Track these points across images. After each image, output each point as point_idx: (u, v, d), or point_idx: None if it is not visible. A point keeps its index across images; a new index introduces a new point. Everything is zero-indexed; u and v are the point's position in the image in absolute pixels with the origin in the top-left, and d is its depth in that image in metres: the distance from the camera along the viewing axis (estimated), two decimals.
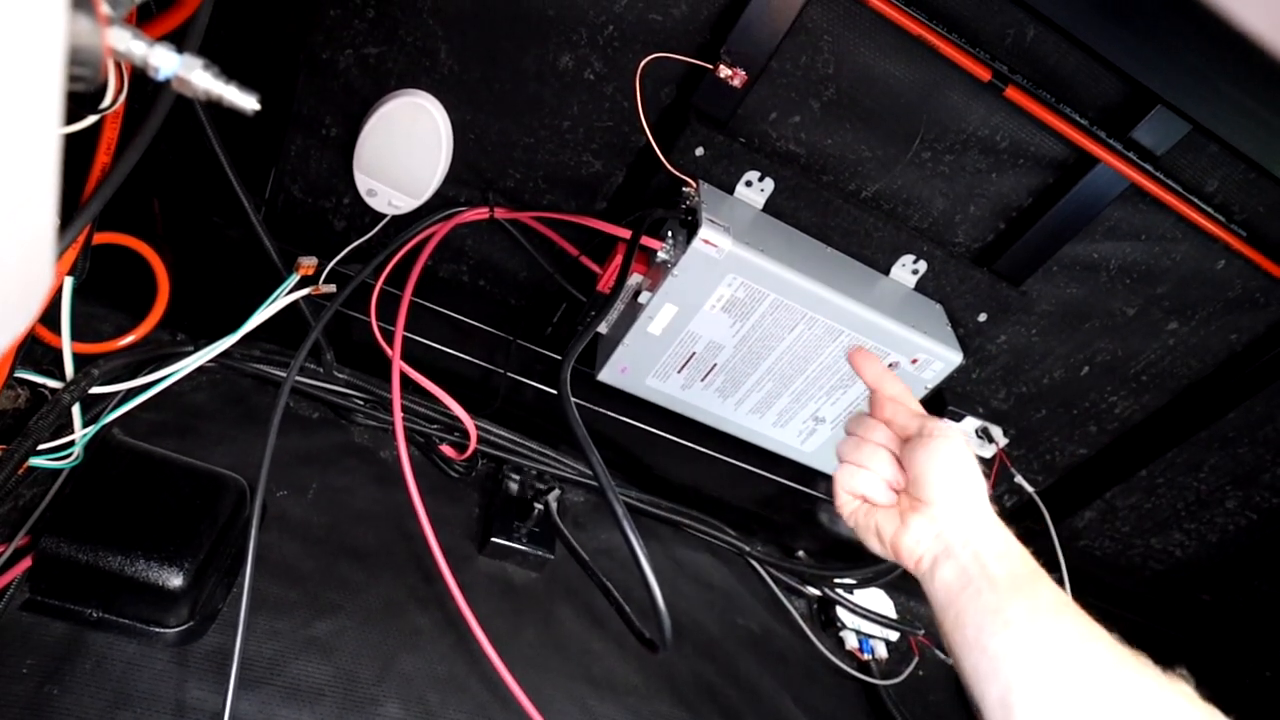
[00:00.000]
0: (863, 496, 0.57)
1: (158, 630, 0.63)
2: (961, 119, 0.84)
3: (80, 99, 0.47)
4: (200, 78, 0.34)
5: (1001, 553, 0.50)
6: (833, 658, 1.00)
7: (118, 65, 0.46)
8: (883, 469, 0.56)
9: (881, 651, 1.04)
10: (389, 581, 0.76)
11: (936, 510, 0.52)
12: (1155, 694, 0.43)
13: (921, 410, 0.58)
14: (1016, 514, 1.26)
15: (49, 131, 0.26)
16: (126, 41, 0.33)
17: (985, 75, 0.77)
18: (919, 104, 0.83)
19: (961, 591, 0.49)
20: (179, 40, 0.43)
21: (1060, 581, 0.98)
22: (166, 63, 0.33)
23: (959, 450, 0.54)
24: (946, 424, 0.55)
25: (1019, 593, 0.47)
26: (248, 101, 0.36)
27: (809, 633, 1.01)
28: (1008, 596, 0.47)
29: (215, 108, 0.37)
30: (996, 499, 1.25)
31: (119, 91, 0.49)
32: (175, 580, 0.62)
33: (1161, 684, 0.43)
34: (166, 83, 0.35)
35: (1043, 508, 1.04)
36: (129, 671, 0.61)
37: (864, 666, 1.02)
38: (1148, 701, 0.42)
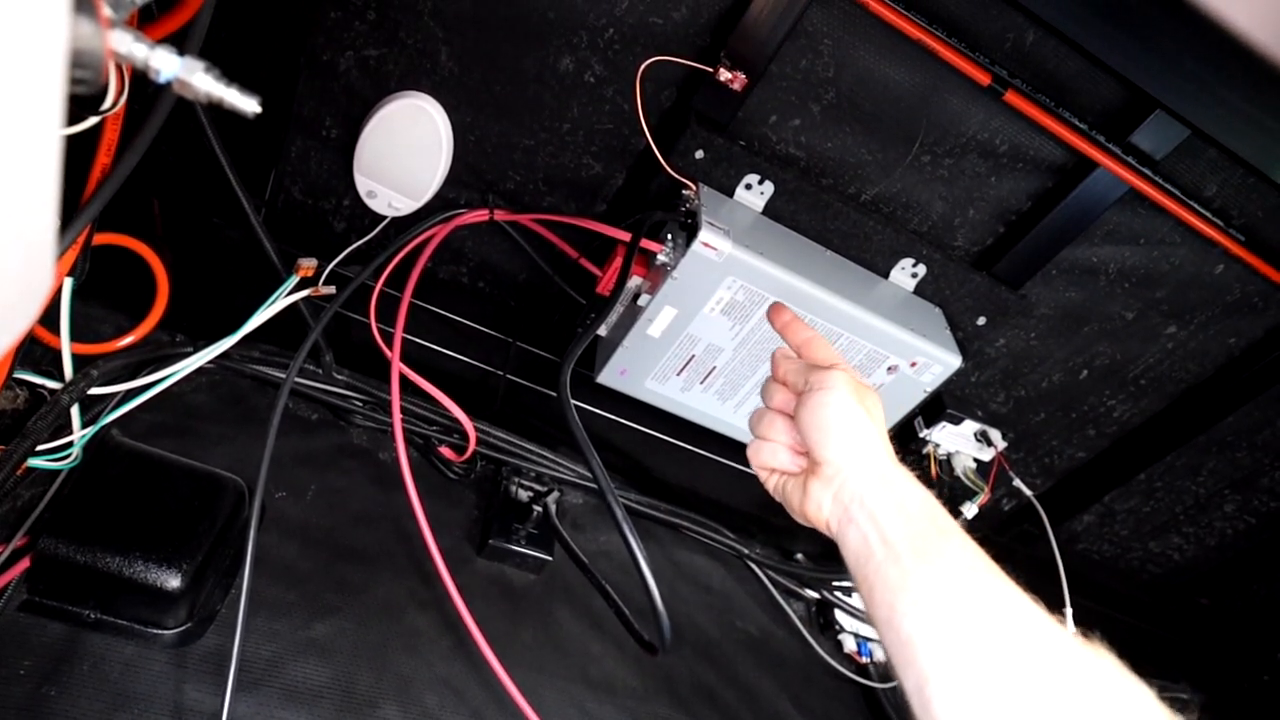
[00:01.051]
0: (773, 468, 0.54)
1: (156, 631, 0.63)
2: (961, 123, 0.84)
3: (81, 100, 0.48)
4: (201, 80, 0.34)
5: (900, 511, 0.45)
6: (831, 661, 1.00)
7: (119, 67, 0.47)
8: (781, 435, 0.54)
9: (880, 655, 1.04)
10: (387, 583, 0.76)
11: (829, 470, 0.49)
12: (1079, 667, 0.39)
13: (819, 359, 0.55)
14: (1015, 517, 1.27)
15: (50, 134, 0.26)
16: (128, 44, 0.33)
17: (985, 79, 0.77)
18: (919, 108, 0.83)
19: (866, 563, 0.45)
20: (180, 41, 0.43)
21: (1058, 587, 0.99)
22: (168, 65, 0.33)
23: (842, 400, 0.50)
24: (831, 374, 0.52)
25: (922, 560, 0.43)
26: (249, 104, 0.36)
27: (807, 636, 1.00)
28: (911, 567, 0.43)
29: (216, 109, 0.37)
30: (995, 502, 1.25)
31: (120, 93, 0.49)
32: (173, 581, 0.61)
33: (1085, 655, 0.39)
34: (168, 85, 0.35)
35: (1041, 511, 1.04)
36: (127, 673, 0.61)
37: (862, 670, 1.02)
38: (1073, 678, 0.38)
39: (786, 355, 0.57)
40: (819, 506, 0.49)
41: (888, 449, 0.50)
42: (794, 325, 0.59)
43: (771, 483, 0.55)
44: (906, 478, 0.48)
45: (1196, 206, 0.87)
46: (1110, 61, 0.74)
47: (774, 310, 0.61)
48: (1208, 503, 1.26)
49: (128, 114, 0.57)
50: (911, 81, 0.81)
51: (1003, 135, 0.85)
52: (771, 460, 0.54)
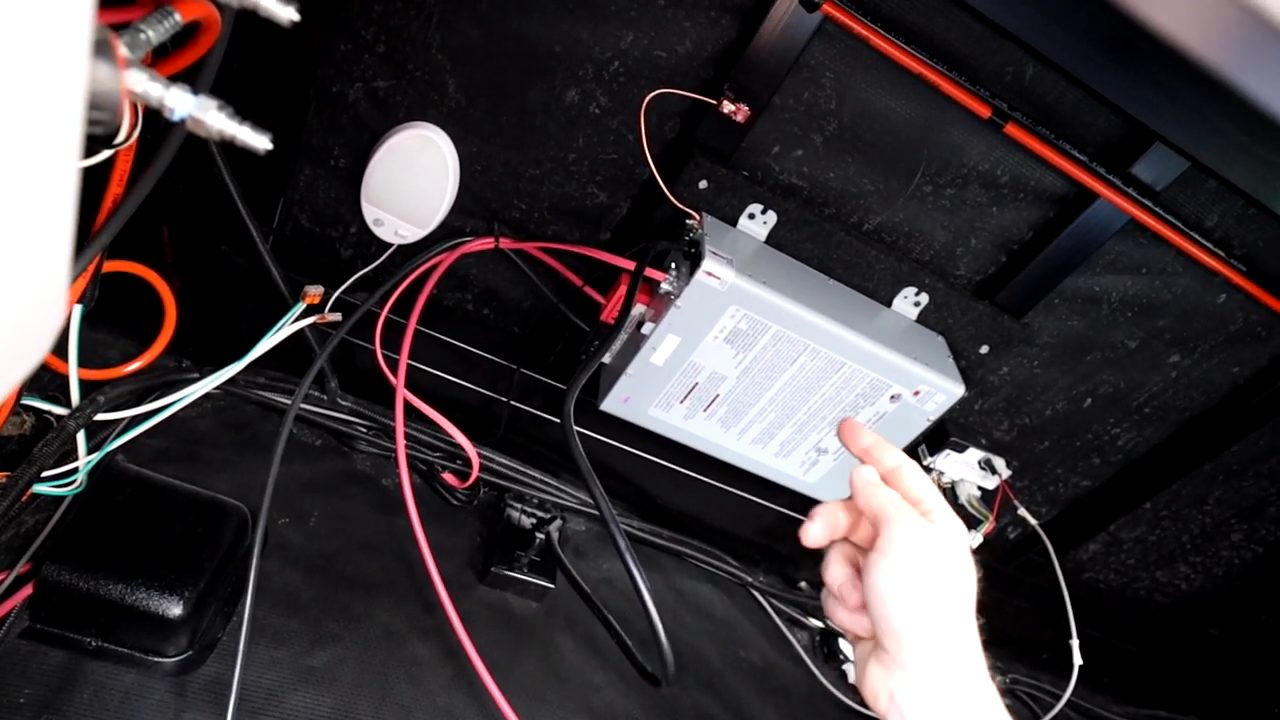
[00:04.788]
0: (843, 627, 0.46)
1: (156, 659, 0.63)
2: (962, 154, 0.85)
3: (96, 136, 0.48)
4: (214, 119, 0.35)
5: None
6: (835, 691, 0.99)
7: (133, 104, 0.47)
8: (846, 591, 0.45)
9: None
10: (389, 611, 0.76)
11: (892, 659, 0.41)
12: None
13: (909, 491, 0.44)
14: (1020, 546, 1.26)
15: (67, 176, 0.26)
16: (144, 83, 0.34)
17: (985, 112, 0.78)
18: (920, 139, 0.84)
19: None
20: (193, 78, 0.44)
21: (1065, 617, 0.98)
22: (182, 104, 0.34)
23: (915, 570, 0.40)
24: (915, 524, 0.41)
25: None
26: (260, 142, 0.36)
27: (811, 666, 1.00)
28: None
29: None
30: (1000, 531, 1.24)
31: (133, 127, 0.50)
32: (175, 609, 0.61)
33: None
34: (181, 122, 0.36)
35: (1046, 540, 1.04)
36: (127, 701, 0.60)
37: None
38: None
39: (872, 481, 0.45)
40: (875, 696, 0.42)
41: (970, 648, 0.41)
42: (880, 448, 0.47)
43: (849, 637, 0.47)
44: (987, 691, 0.40)
45: (1197, 237, 0.88)
46: (1109, 95, 0.75)
47: (848, 430, 0.49)
48: (1214, 532, 1.25)
49: (140, 145, 0.58)
50: (913, 113, 0.82)
51: (1004, 166, 0.86)
52: (837, 617, 0.46)
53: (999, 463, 1.03)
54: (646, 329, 0.84)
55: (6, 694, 0.57)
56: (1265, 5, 0.34)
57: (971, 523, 1.00)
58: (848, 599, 0.44)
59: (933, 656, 0.40)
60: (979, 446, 1.02)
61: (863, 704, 0.98)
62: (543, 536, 0.86)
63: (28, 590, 0.60)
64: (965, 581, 0.41)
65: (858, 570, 0.45)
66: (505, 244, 0.91)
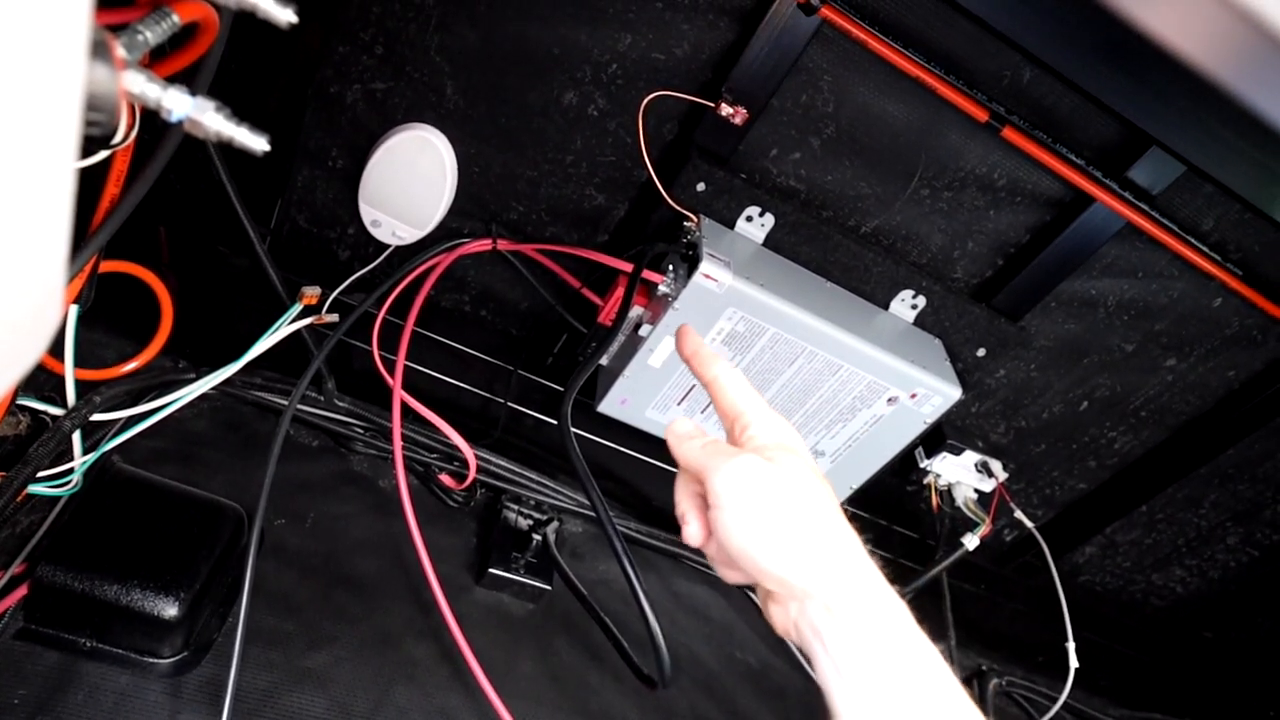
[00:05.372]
0: (732, 582, 0.44)
1: (151, 660, 0.63)
2: (960, 157, 0.85)
3: (93, 137, 0.48)
4: (212, 120, 0.35)
5: (859, 652, 0.38)
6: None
7: (131, 105, 0.47)
8: (712, 549, 0.43)
9: None
10: (385, 612, 0.76)
11: (779, 595, 0.40)
12: None
13: (731, 411, 0.43)
14: (1016, 548, 1.26)
15: (64, 176, 0.26)
16: (141, 84, 0.34)
17: (983, 116, 0.78)
18: (918, 142, 0.84)
19: (833, 712, 0.38)
20: (191, 79, 0.44)
21: (1060, 620, 0.98)
22: (180, 105, 0.34)
23: (748, 510, 0.39)
24: (727, 467, 0.40)
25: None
26: (258, 143, 0.36)
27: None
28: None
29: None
30: (996, 533, 1.24)
31: (131, 128, 0.50)
32: (170, 610, 0.61)
33: None
34: (179, 123, 0.36)
35: (1042, 542, 1.04)
36: (121, 702, 0.60)
37: None
38: None
39: (680, 435, 0.44)
40: (784, 630, 0.41)
41: (846, 561, 0.39)
42: (700, 356, 0.47)
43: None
44: (868, 602, 0.39)
45: (1194, 241, 0.88)
46: (1106, 99, 0.75)
47: (680, 335, 0.48)
48: (1210, 535, 1.25)
49: (137, 145, 0.58)
50: (910, 117, 0.82)
51: (1001, 170, 0.86)
52: (725, 576, 0.44)
53: (995, 465, 1.03)
54: (644, 331, 0.85)
55: (1, 695, 0.57)
56: (1261, 12, 0.34)
57: (968, 525, 1.00)
58: (715, 554, 0.43)
59: (811, 578, 0.39)
60: (975, 449, 1.03)
61: None
62: (539, 538, 0.86)
63: (23, 591, 0.60)
64: (805, 491, 0.40)
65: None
66: (503, 245, 0.91)
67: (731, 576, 0.44)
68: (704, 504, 0.42)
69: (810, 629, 0.39)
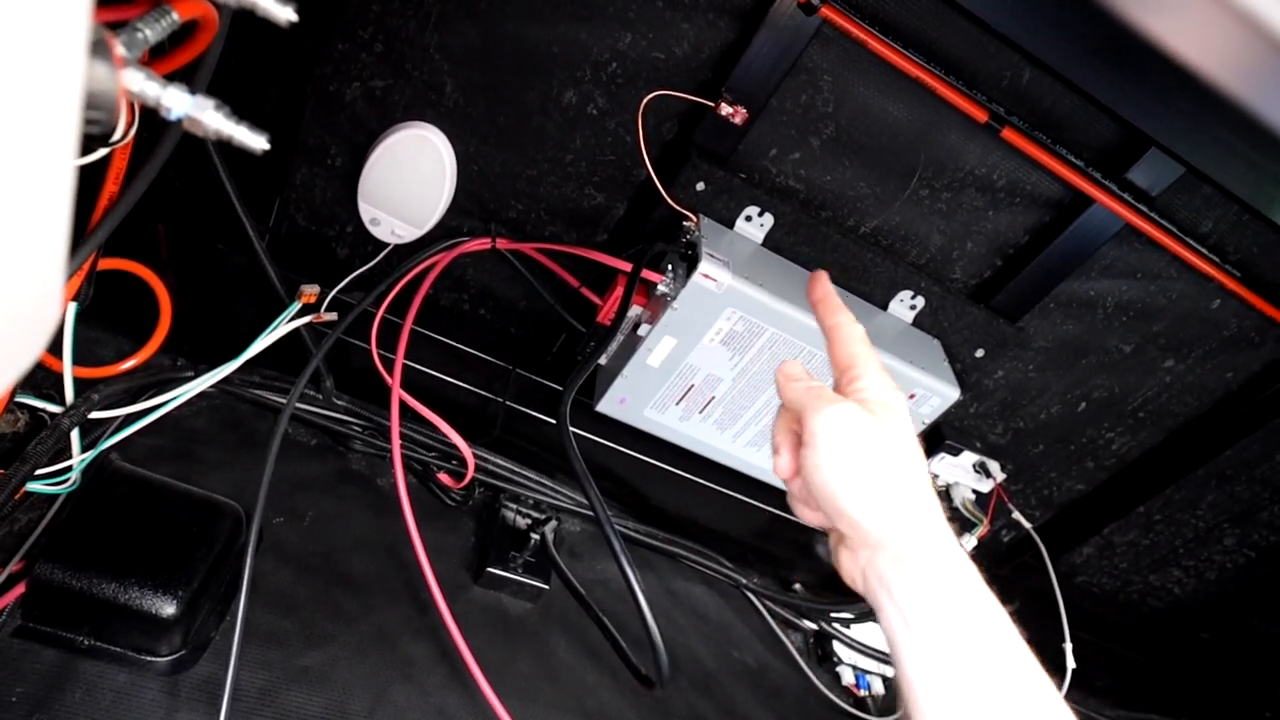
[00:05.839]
0: (807, 521, 0.46)
1: (149, 659, 0.63)
2: (959, 158, 0.85)
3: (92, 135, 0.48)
4: (211, 118, 0.35)
5: (931, 612, 0.38)
6: (829, 693, 0.99)
7: (130, 103, 0.47)
8: (796, 486, 0.45)
9: (878, 687, 1.03)
10: (383, 611, 0.76)
11: (853, 541, 0.41)
12: None
13: (843, 361, 0.45)
14: (1014, 549, 1.26)
15: (64, 174, 0.26)
16: (140, 82, 0.34)
17: (982, 117, 0.78)
18: (917, 143, 0.84)
19: (897, 661, 0.39)
20: (190, 76, 0.44)
21: (1058, 620, 0.98)
22: (179, 104, 0.34)
23: (841, 453, 0.40)
24: (828, 411, 0.41)
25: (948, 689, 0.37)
26: (257, 142, 0.36)
27: (805, 667, 1.00)
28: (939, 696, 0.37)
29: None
30: (994, 534, 1.24)
31: (130, 126, 0.50)
32: (168, 608, 0.61)
33: None
34: (178, 121, 0.36)
35: (1040, 543, 1.04)
36: (119, 701, 0.60)
37: (860, 703, 1.01)
38: None
39: (788, 375, 0.46)
40: (851, 578, 0.42)
41: (924, 513, 0.41)
42: (827, 303, 0.48)
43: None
44: (939, 558, 0.40)
45: (1192, 242, 0.88)
46: (1105, 100, 0.75)
47: (814, 280, 0.50)
48: (1207, 536, 1.25)
49: (136, 142, 0.58)
50: (910, 117, 0.82)
51: (1000, 170, 0.86)
52: (802, 517, 0.46)
53: (993, 466, 1.04)
54: (643, 330, 0.85)
55: None
56: (1260, 15, 0.34)
57: (966, 526, 1.00)
58: (798, 491, 0.45)
59: (886, 528, 0.40)
60: (974, 450, 1.03)
61: (857, 706, 0.99)
62: (538, 537, 0.86)
63: (20, 589, 0.60)
64: (896, 448, 0.41)
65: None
66: (502, 244, 0.91)
67: (806, 515, 0.46)
68: (797, 441, 0.44)
69: (878, 578, 0.40)
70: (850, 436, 0.41)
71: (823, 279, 0.50)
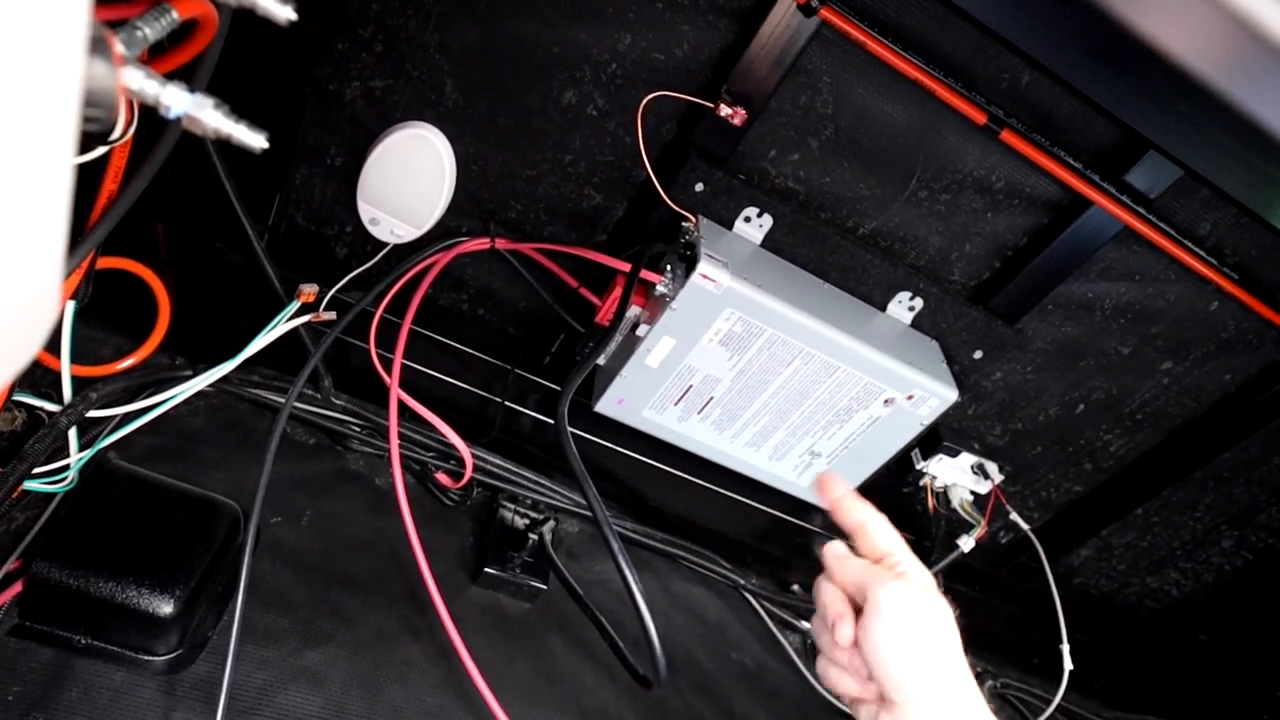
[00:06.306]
0: (843, 694, 0.48)
1: (146, 658, 0.63)
2: (958, 160, 0.85)
3: (91, 133, 0.48)
4: (211, 116, 0.35)
5: None
6: (827, 694, 0.99)
7: (129, 101, 0.47)
8: (844, 656, 0.47)
9: None
10: (381, 611, 0.76)
11: (900, 712, 0.43)
12: None
13: (878, 550, 0.48)
14: (1012, 550, 1.26)
15: (62, 172, 0.26)
16: (140, 81, 0.34)
17: (981, 119, 0.78)
18: (916, 144, 0.84)
19: None
20: (190, 75, 0.44)
21: (1055, 622, 0.98)
22: (178, 102, 0.34)
23: (913, 626, 0.43)
24: (894, 585, 0.45)
25: None
26: (256, 140, 0.36)
27: (803, 668, 1.00)
28: None
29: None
30: (992, 535, 1.24)
31: (129, 124, 0.50)
32: (166, 607, 0.61)
33: None
34: (177, 119, 0.36)
35: (1038, 545, 1.04)
36: (116, 700, 0.60)
37: None
38: None
39: (839, 555, 0.49)
40: None
41: (966, 684, 0.44)
42: (847, 503, 0.51)
43: (846, 700, 0.50)
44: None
45: (1190, 245, 0.88)
46: (1104, 103, 0.75)
47: (824, 482, 0.53)
48: (1205, 538, 1.25)
49: (135, 141, 0.58)
50: (909, 119, 0.82)
51: (999, 172, 0.86)
52: (839, 686, 0.48)
53: (991, 467, 1.04)
54: (641, 331, 0.85)
55: None
56: (1259, 18, 0.34)
57: (964, 527, 1.00)
58: (846, 661, 0.47)
59: (937, 700, 0.43)
60: (972, 451, 1.03)
61: None
62: (536, 537, 0.86)
63: (17, 587, 0.60)
64: (947, 624, 0.45)
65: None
66: (501, 244, 0.91)
67: (845, 684, 0.48)
68: (855, 612, 0.47)
69: None
70: (913, 610, 0.44)
71: (834, 480, 0.53)
